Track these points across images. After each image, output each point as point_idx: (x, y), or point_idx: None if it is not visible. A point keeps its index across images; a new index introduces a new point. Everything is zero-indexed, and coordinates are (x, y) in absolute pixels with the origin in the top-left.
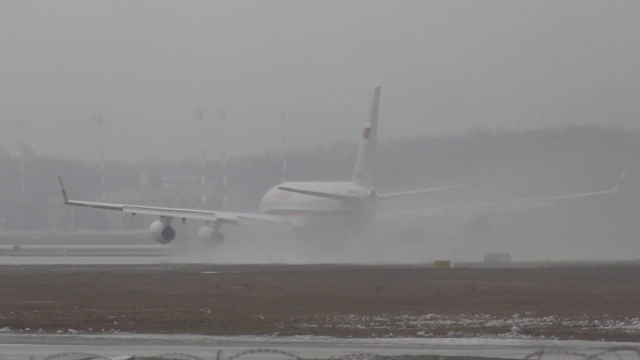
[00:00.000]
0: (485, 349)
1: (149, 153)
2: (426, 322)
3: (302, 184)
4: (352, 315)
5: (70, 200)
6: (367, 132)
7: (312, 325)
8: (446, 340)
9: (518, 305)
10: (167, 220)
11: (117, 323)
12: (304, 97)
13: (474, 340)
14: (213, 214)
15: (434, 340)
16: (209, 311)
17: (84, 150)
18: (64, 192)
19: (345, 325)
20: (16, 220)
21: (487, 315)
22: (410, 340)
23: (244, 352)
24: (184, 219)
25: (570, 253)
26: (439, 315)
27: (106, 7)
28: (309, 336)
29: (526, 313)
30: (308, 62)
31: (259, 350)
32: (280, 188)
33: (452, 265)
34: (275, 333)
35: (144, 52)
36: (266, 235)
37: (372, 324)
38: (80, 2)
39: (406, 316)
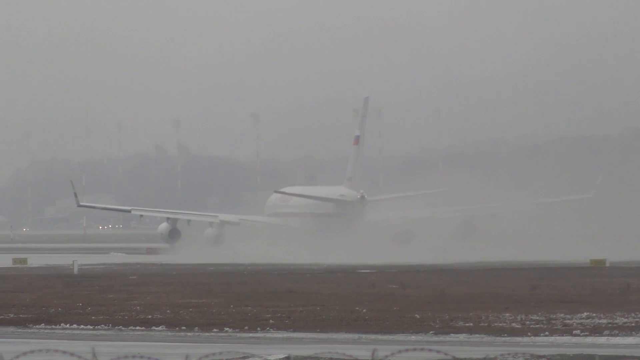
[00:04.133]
0: None
1: (305, 152)
2: (582, 321)
3: (297, 188)
4: (507, 314)
5: (81, 203)
6: (357, 140)
7: (467, 324)
8: (602, 340)
9: None
10: (173, 222)
11: (272, 322)
12: (460, 93)
13: (630, 340)
14: (216, 216)
15: (590, 339)
16: (364, 310)
17: (240, 149)
18: (75, 195)
19: (500, 324)
20: None
21: None
22: (565, 339)
23: (399, 351)
24: (188, 221)
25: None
26: (594, 314)
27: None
28: (464, 335)
29: None
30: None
31: (414, 349)
32: (275, 192)
33: (607, 264)
34: (431, 332)
35: (299, 52)
36: (269, 235)
37: (528, 322)
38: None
39: (562, 315)
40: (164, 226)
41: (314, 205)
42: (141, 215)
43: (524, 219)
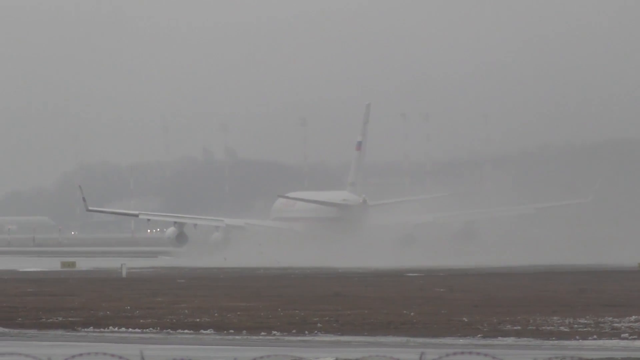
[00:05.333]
0: None
1: (352, 154)
2: (630, 324)
3: (301, 193)
4: (555, 317)
5: (90, 208)
6: (359, 145)
7: (515, 328)
8: None
9: None
10: (180, 226)
11: (320, 325)
12: (508, 98)
13: None
14: (222, 220)
15: (638, 343)
16: (412, 313)
17: (287, 152)
18: (84, 200)
19: (548, 328)
20: None
21: None
22: (614, 342)
23: (447, 355)
24: (195, 225)
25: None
26: None
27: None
28: (512, 338)
29: None
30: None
31: (462, 353)
32: (279, 196)
33: None
34: (479, 335)
35: (348, 54)
36: (273, 238)
37: (576, 326)
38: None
39: (610, 318)
40: (171, 230)
41: (317, 209)
42: (149, 220)
43: (524, 223)
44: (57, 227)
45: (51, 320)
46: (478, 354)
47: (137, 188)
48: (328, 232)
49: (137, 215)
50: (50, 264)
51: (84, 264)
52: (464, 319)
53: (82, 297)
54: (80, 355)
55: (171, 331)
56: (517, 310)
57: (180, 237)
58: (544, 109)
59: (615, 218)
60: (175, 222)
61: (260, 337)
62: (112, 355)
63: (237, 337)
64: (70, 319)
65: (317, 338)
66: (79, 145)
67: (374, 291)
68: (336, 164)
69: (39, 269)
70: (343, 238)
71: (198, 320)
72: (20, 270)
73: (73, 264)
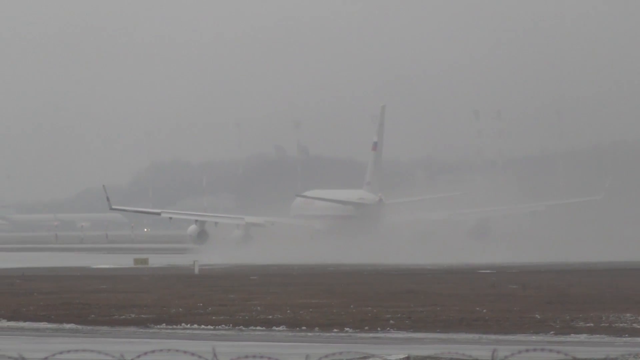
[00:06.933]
0: None
1: (426, 151)
2: None
3: (320, 192)
4: (628, 314)
5: (113, 206)
6: (375, 146)
7: (588, 324)
8: None
9: None
10: (201, 224)
11: (393, 322)
12: (581, 92)
13: None
14: (242, 218)
15: None
16: (484, 310)
17: (360, 149)
18: (108, 199)
19: (621, 324)
20: None
21: None
22: None
23: (519, 351)
24: (216, 223)
25: None
26: None
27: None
28: (585, 335)
29: None
30: None
31: (534, 350)
32: (297, 195)
33: None
34: (551, 332)
35: (423, 49)
36: (292, 236)
37: None
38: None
39: None
40: (192, 228)
41: (335, 207)
42: (170, 218)
43: (537, 221)
44: (129, 224)
45: (123, 317)
46: (550, 350)
47: (209, 186)
48: (345, 230)
49: (159, 214)
50: (122, 261)
51: (156, 261)
52: (537, 315)
53: (155, 294)
54: (153, 352)
55: (243, 328)
56: (589, 307)
57: (202, 235)
58: (559, 109)
59: (631, 215)
60: (196, 220)
61: (333, 333)
62: (185, 352)
63: (309, 333)
64: (142, 315)
65: (389, 335)
66: (151, 143)
67: (446, 288)
68: (409, 160)
69: (111, 266)
70: (359, 235)
71: (270, 317)
72: (93, 267)
73: (146, 261)
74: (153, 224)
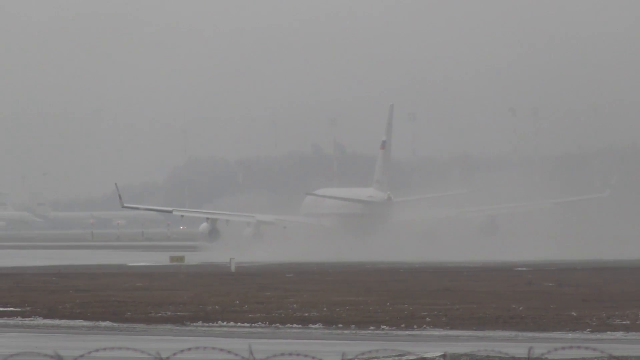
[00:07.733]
0: None
1: (462, 149)
2: None
3: (330, 190)
4: None
5: (125, 204)
6: (384, 145)
7: (624, 322)
8: None
9: None
10: (212, 222)
11: (429, 319)
12: (617, 90)
13: None
14: (253, 216)
15: None
16: (520, 307)
17: (395, 147)
18: (120, 198)
19: None
20: None
21: None
22: None
23: (555, 349)
24: (227, 221)
25: None
26: None
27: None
28: (621, 333)
29: None
30: None
31: (570, 347)
32: (307, 194)
33: None
34: (587, 329)
35: (453, 47)
36: (302, 233)
37: None
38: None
39: None
40: (204, 226)
41: (344, 205)
42: (182, 216)
43: (545, 218)
44: (165, 222)
45: (160, 314)
46: (587, 348)
47: (245, 183)
48: (355, 228)
49: (171, 212)
50: (159, 258)
51: (192, 258)
52: (573, 313)
53: (191, 292)
54: (189, 349)
55: (280, 325)
56: (626, 304)
57: (213, 233)
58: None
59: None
60: (207, 218)
61: (369, 331)
62: (221, 350)
63: (345, 331)
64: (178, 313)
65: (425, 332)
66: (188, 140)
67: (482, 285)
68: (446, 157)
69: (147, 264)
70: (368, 233)
71: (307, 314)
72: (129, 264)
73: (182, 258)
74: (189, 222)
